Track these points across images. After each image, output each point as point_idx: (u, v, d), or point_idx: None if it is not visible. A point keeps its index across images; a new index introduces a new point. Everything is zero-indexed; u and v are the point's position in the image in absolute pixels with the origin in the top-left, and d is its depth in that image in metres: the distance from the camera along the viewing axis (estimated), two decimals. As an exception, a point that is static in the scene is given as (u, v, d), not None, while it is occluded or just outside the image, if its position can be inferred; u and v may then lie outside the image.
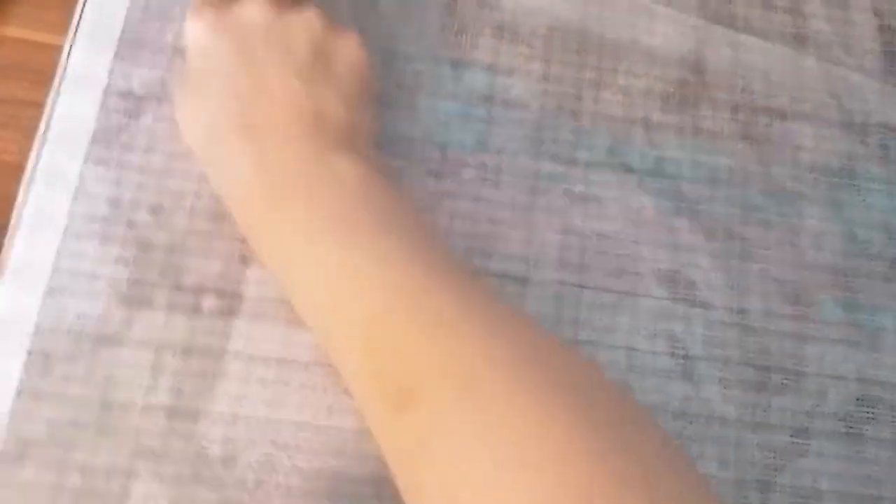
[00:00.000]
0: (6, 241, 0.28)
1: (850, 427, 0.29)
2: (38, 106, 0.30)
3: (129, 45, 0.31)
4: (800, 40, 0.34)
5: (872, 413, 0.29)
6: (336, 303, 0.23)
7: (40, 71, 0.31)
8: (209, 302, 0.28)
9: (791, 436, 0.29)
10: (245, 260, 0.29)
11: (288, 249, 0.24)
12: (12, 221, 0.28)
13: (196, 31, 0.27)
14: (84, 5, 0.31)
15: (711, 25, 0.34)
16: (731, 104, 0.33)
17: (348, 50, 0.27)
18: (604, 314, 0.30)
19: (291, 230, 0.24)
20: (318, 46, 0.27)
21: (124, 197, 0.29)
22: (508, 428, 0.19)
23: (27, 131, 0.31)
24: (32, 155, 0.29)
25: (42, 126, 0.30)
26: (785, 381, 0.30)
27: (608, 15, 0.34)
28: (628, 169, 0.31)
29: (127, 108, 0.30)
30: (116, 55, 0.31)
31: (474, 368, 0.20)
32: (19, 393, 0.27)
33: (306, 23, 0.27)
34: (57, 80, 0.30)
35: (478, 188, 0.31)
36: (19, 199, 0.29)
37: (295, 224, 0.24)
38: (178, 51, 0.31)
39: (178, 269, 0.29)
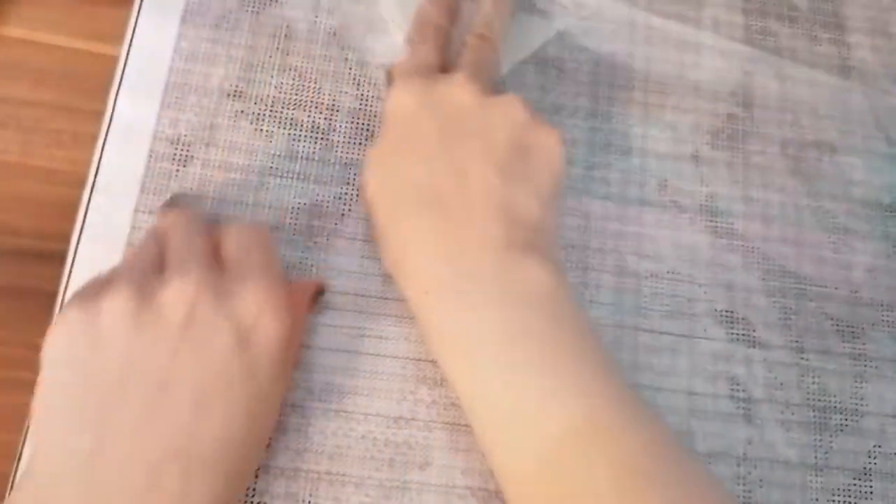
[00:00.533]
0: (58, 301, 0.28)
1: (914, 467, 0.29)
2: (38, 106, 0.31)
3: (175, 91, 0.30)
4: (845, 71, 0.34)
5: (935, 452, 0.29)
6: (521, 425, 0.22)
7: (40, 71, 0.31)
8: (265, 353, 0.28)
9: (854, 478, 0.29)
10: (299, 308, 0.29)
11: (473, 355, 0.23)
12: (63, 278, 0.28)
13: (400, 98, 0.27)
14: (129, 53, 0.31)
15: (758, 59, 0.34)
16: (780, 138, 0.33)
17: (548, 146, 0.26)
18: (662, 357, 0.29)
19: (478, 336, 0.23)
20: (519, 139, 0.26)
21: (176, 247, 0.29)
22: None
23: (27, 131, 0.31)
24: (81, 208, 0.29)
25: (90, 177, 0.29)
26: (845, 422, 0.29)
27: (655, 50, 0.33)
28: (680, 206, 0.31)
29: (175, 154, 0.30)
30: (163, 102, 0.30)
31: None
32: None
33: (509, 112, 0.26)
34: (104, 129, 0.30)
35: (530, 230, 0.30)
36: (69, 253, 0.28)
37: (484, 332, 0.23)
38: (225, 94, 0.31)
39: (233, 320, 0.28)
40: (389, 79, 0.30)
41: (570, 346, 0.23)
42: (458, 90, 0.26)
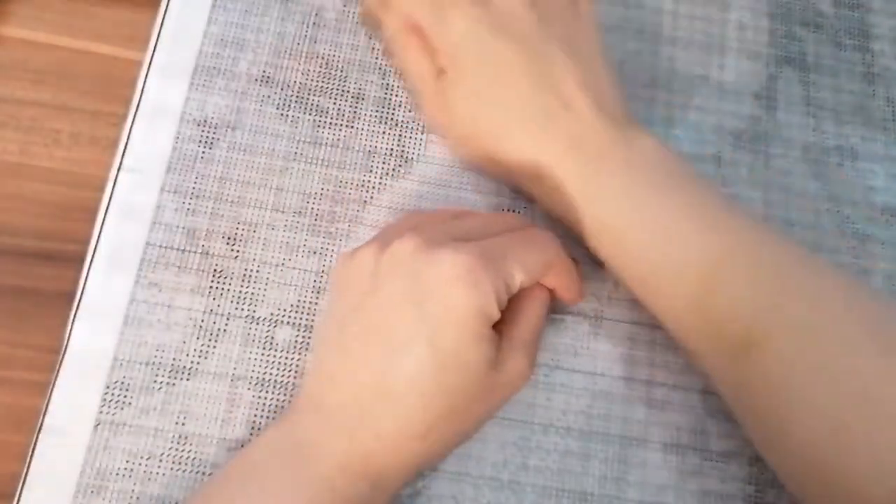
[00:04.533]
0: (83, 275, 0.28)
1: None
2: (38, 106, 0.31)
3: (204, 74, 0.31)
4: (869, 78, 0.34)
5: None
6: (670, 255, 0.25)
7: (40, 71, 0.31)
8: (284, 333, 0.28)
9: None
10: (319, 290, 0.29)
11: (613, 216, 0.26)
12: (88, 255, 0.28)
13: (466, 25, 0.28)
14: (159, 35, 0.31)
15: (782, 63, 0.34)
16: (802, 142, 0.33)
17: None
18: (678, 355, 0.29)
19: (614, 201, 0.26)
20: None
21: (199, 226, 0.29)
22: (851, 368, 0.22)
23: (27, 131, 0.31)
24: (108, 186, 0.29)
25: (117, 159, 0.30)
26: (860, 426, 0.29)
27: (679, 50, 0.33)
28: (701, 206, 0.31)
29: (202, 136, 0.30)
30: (191, 84, 0.31)
31: (814, 317, 0.23)
32: (97, 425, 0.26)
33: None
34: (132, 109, 0.30)
35: (552, 222, 0.30)
36: (95, 231, 0.29)
37: (616, 195, 0.26)
38: (252, 79, 0.31)
39: (253, 300, 0.28)
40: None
41: (695, 185, 0.26)
42: None
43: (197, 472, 0.26)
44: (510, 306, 0.25)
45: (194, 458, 0.26)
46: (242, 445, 0.27)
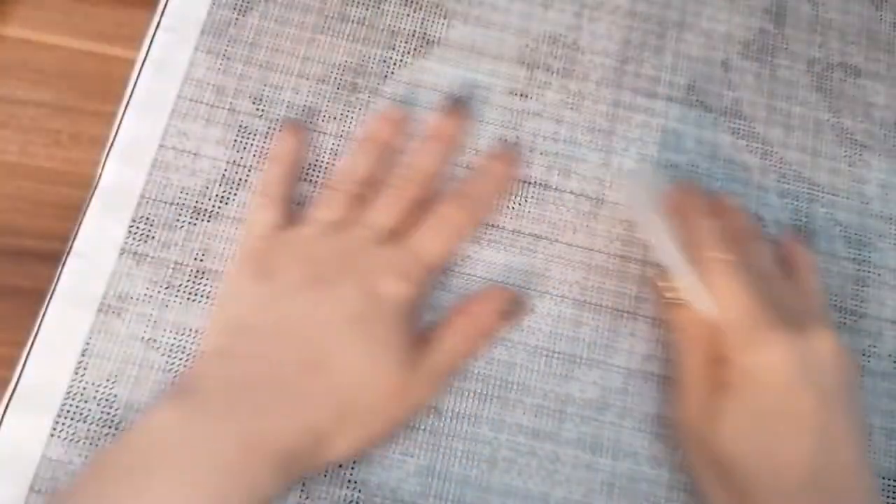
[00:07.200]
0: (116, 120, 0.30)
1: (905, 368, 0.30)
2: (38, 106, 0.31)
3: (242, -51, 0.33)
4: (877, 3, 0.35)
5: (927, 358, 0.30)
6: None
7: (40, 71, 0.31)
8: (300, 187, 0.30)
9: (846, 371, 0.30)
10: (336, 153, 0.30)
11: None
12: (123, 102, 0.30)
13: None
14: None
15: (794, -19, 0.35)
16: (807, 58, 0.34)
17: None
18: (673, 239, 0.31)
19: None
20: None
21: (229, 85, 0.31)
22: None
23: (27, 131, 0.31)
24: (145, 42, 0.31)
25: (156, 18, 0.31)
26: (843, 320, 0.30)
27: (695, -38, 0.35)
28: (706, 107, 0.33)
29: (237, 4, 0.32)
30: (230, -44, 0.32)
31: None
32: (122, 253, 0.28)
33: None
34: (173, -27, 0.32)
35: (560, 110, 0.32)
36: (131, 81, 0.30)
37: None
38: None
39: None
40: None
41: None
42: None
43: (210, 304, 0.28)
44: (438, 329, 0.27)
45: (209, 292, 0.28)
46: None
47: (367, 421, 0.25)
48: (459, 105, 0.31)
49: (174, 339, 0.27)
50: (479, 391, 0.28)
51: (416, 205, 0.28)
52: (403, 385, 0.25)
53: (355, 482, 0.27)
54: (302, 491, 0.26)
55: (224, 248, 0.29)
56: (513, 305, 0.29)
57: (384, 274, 0.26)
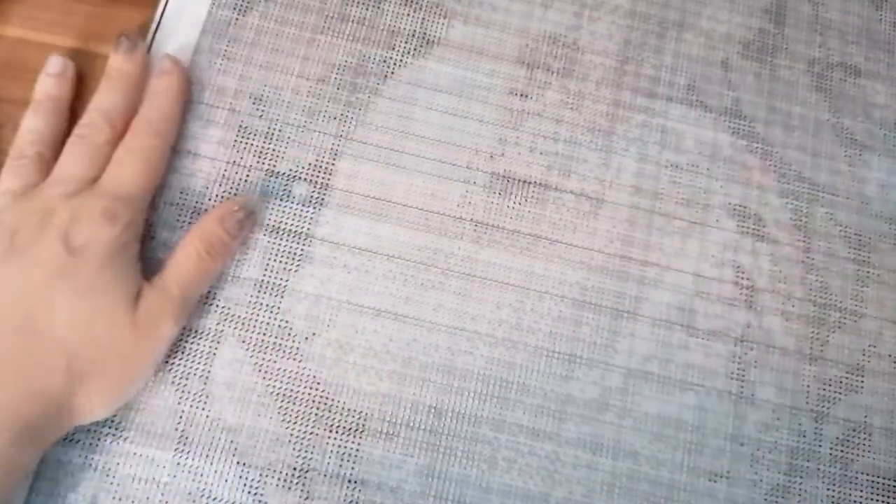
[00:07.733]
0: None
1: (905, 368, 0.30)
2: None
3: (242, -51, 0.33)
4: (877, 3, 0.35)
5: (927, 358, 0.30)
6: None
7: (40, 71, 0.30)
8: (300, 188, 0.30)
9: (846, 372, 0.30)
10: (336, 154, 0.30)
11: None
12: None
13: None
14: None
15: (795, -19, 0.35)
16: (807, 57, 0.34)
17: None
18: (673, 240, 0.31)
19: None
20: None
21: (229, 85, 0.31)
22: None
23: None
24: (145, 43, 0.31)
25: (156, 18, 0.31)
26: (843, 320, 0.30)
27: (695, -38, 0.35)
28: (706, 107, 0.33)
29: (237, 4, 0.32)
30: (230, -44, 0.32)
31: None
32: (121, 252, 0.28)
33: None
34: (173, -27, 0.32)
35: (560, 110, 0.32)
36: (130, 79, 0.30)
37: None
38: (286, -41, 0.33)
39: (274, 156, 0.30)
40: None
41: None
42: None
43: (210, 304, 0.28)
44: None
45: (210, 292, 0.28)
46: (256, 285, 0.28)
47: (104, 371, 0.25)
48: (132, 43, 0.30)
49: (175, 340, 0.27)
50: (479, 391, 0.28)
51: (112, 147, 0.28)
52: (130, 322, 0.25)
53: (355, 482, 0.27)
54: (302, 491, 0.26)
55: (224, 248, 0.29)
56: (243, 214, 0.28)
57: (77, 222, 0.26)
